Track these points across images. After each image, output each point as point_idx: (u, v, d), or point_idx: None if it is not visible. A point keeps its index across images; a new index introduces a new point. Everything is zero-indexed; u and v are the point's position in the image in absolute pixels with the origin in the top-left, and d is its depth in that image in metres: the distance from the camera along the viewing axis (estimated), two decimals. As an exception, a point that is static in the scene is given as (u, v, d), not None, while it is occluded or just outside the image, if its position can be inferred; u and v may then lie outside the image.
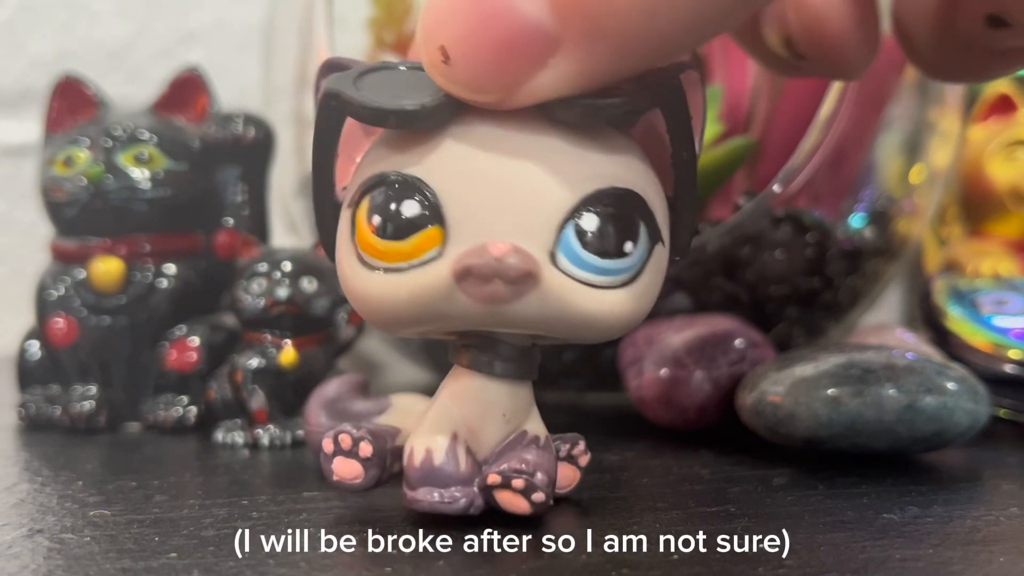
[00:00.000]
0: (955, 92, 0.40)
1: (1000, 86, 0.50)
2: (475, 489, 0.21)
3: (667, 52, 0.19)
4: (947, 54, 0.22)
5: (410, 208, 0.20)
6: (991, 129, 0.49)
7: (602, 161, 0.20)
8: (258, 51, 0.49)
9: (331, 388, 0.27)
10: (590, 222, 0.19)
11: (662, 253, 0.21)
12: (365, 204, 0.20)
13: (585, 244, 0.19)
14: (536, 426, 0.22)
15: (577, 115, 0.19)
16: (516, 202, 0.19)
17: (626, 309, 0.20)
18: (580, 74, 0.19)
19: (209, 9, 0.58)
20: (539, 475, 0.21)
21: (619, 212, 0.20)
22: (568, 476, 0.23)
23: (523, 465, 0.21)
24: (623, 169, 0.20)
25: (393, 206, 0.20)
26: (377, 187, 0.20)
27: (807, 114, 0.32)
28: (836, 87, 0.31)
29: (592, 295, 0.20)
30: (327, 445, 0.22)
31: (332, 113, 0.20)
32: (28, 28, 0.56)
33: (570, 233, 0.19)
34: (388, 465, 0.23)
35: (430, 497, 0.21)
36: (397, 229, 0.20)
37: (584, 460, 0.24)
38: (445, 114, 0.20)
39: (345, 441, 0.22)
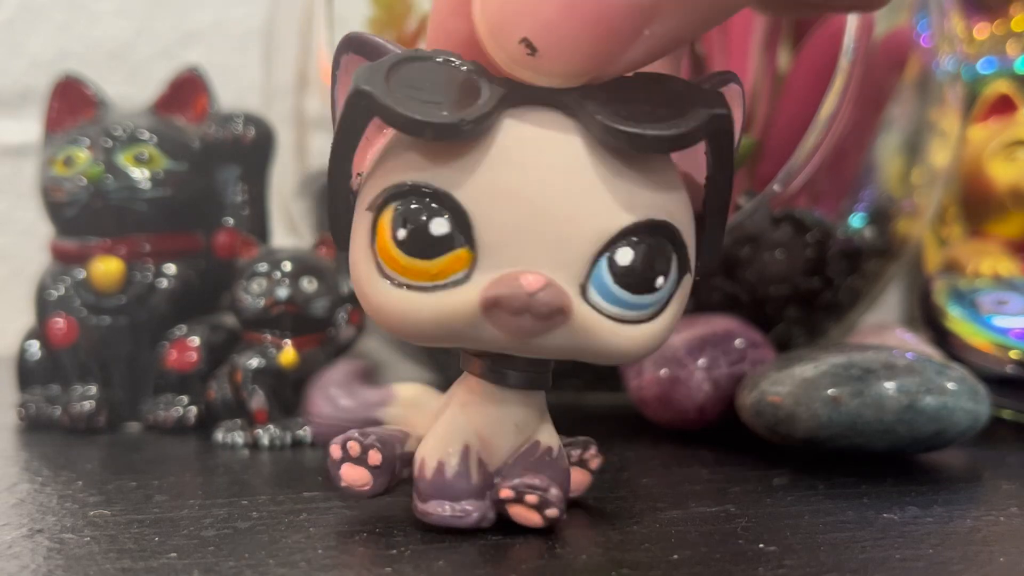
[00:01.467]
0: (955, 92, 0.40)
1: (1000, 86, 0.50)
2: (487, 501, 0.21)
3: (743, 2, 0.18)
4: None
5: (439, 226, 0.19)
6: (991, 129, 0.49)
7: (641, 189, 0.19)
8: (258, 51, 0.49)
9: (335, 375, 0.27)
10: (625, 256, 0.19)
11: (688, 282, 0.20)
12: (389, 214, 0.19)
13: (617, 279, 0.19)
14: (549, 436, 0.22)
15: (622, 143, 0.18)
16: (551, 230, 0.18)
17: (650, 342, 0.20)
18: (673, 39, 0.18)
19: (209, 9, 0.58)
20: (553, 490, 0.20)
21: (654, 246, 0.19)
22: (580, 481, 0.23)
23: (537, 480, 0.21)
24: (661, 198, 0.19)
25: (421, 222, 0.19)
26: (404, 197, 0.19)
27: (807, 114, 0.32)
28: (836, 87, 0.31)
29: (619, 330, 0.19)
30: (335, 451, 0.22)
31: (360, 112, 0.19)
32: (28, 28, 0.56)
33: (603, 266, 0.19)
34: (397, 472, 0.22)
35: (441, 511, 0.21)
36: (424, 247, 0.19)
37: (596, 464, 0.23)
38: (484, 126, 0.18)
39: (354, 448, 0.22)
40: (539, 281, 0.18)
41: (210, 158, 0.35)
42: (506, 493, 0.21)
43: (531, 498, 0.20)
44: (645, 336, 0.19)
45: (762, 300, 0.36)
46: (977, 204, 0.49)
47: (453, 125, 0.18)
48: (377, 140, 0.20)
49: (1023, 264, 0.47)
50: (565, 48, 0.18)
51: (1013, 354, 0.34)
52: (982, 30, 0.54)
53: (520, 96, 0.19)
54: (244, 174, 0.36)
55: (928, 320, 0.37)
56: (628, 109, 0.18)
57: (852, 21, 0.31)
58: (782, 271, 0.36)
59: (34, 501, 0.24)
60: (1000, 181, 0.48)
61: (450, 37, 0.20)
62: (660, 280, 0.19)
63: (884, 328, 0.37)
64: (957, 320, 0.36)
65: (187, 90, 0.36)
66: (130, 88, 0.46)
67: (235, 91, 0.43)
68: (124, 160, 0.34)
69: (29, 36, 0.56)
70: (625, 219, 0.19)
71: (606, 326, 0.19)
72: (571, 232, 0.18)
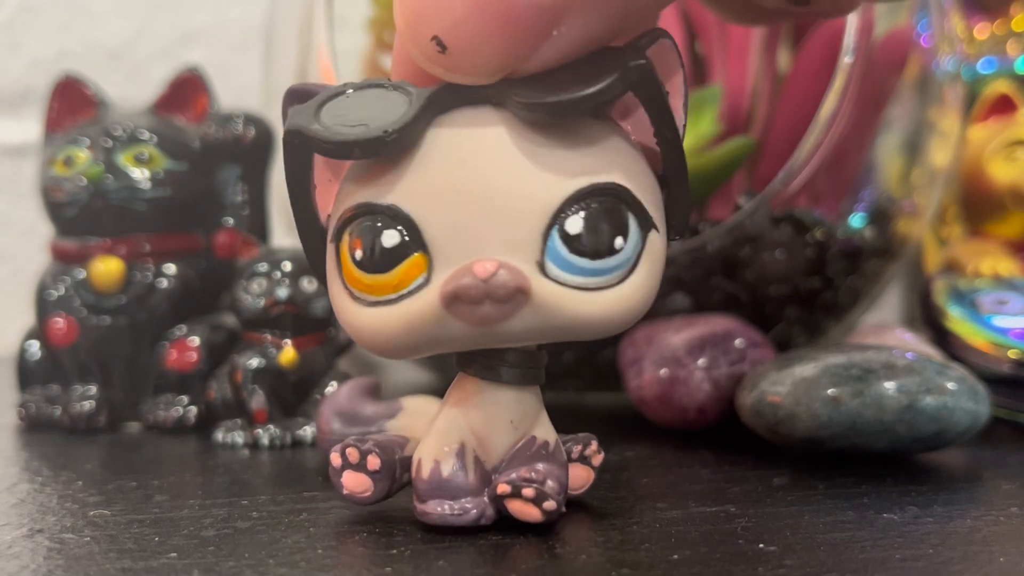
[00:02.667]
0: (955, 92, 0.40)
1: (1000, 86, 0.50)
2: (485, 499, 0.21)
3: (654, 4, 0.19)
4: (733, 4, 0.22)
5: (389, 238, 0.19)
6: (991, 129, 0.49)
7: (579, 156, 0.19)
8: (258, 51, 0.49)
9: (343, 393, 0.27)
10: (575, 224, 0.19)
11: (657, 239, 0.20)
12: (346, 239, 0.20)
13: (573, 248, 0.19)
14: (545, 431, 0.22)
15: (544, 114, 0.19)
16: (495, 215, 0.19)
17: (625, 306, 0.20)
18: (585, 38, 0.18)
19: (209, 9, 0.58)
20: (549, 482, 0.21)
21: (604, 208, 0.19)
22: (581, 477, 0.23)
23: (533, 473, 0.21)
24: (603, 161, 0.19)
25: (372, 239, 0.19)
26: (354, 220, 0.20)
27: (807, 114, 0.32)
28: (836, 87, 0.31)
29: (587, 299, 0.19)
30: (335, 459, 0.22)
31: (298, 151, 0.20)
32: (28, 28, 0.56)
33: (556, 239, 0.19)
34: (397, 476, 0.22)
35: (440, 509, 0.21)
36: (380, 262, 0.19)
37: (598, 460, 0.23)
38: (411, 134, 0.19)
39: (352, 455, 0.22)
40: (492, 265, 0.18)
41: (210, 158, 0.35)
42: (503, 488, 0.21)
43: (528, 491, 0.20)
44: (618, 299, 0.19)
45: (762, 300, 0.36)
46: (977, 204, 0.49)
47: (377, 138, 0.19)
48: (341, 177, 0.21)
49: (1023, 264, 0.47)
50: (474, 47, 0.18)
51: (1013, 354, 0.34)
52: (982, 30, 0.54)
53: (446, 101, 0.19)
54: (244, 174, 0.36)
55: (928, 320, 0.37)
56: (547, 83, 0.19)
57: (852, 21, 0.31)
58: (782, 271, 0.36)
59: (34, 501, 0.24)
60: (1000, 181, 0.48)
61: (406, 63, 0.20)
62: (619, 240, 0.19)
63: (884, 328, 0.37)
64: (957, 320, 0.36)
65: (187, 90, 0.36)
66: (130, 88, 0.46)
67: (235, 91, 0.43)
68: (124, 160, 0.34)
69: (29, 36, 0.56)
70: (567, 188, 0.19)
71: (571, 296, 0.19)
72: (516, 212, 0.19)
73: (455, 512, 0.21)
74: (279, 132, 0.37)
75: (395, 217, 0.19)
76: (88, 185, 0.33)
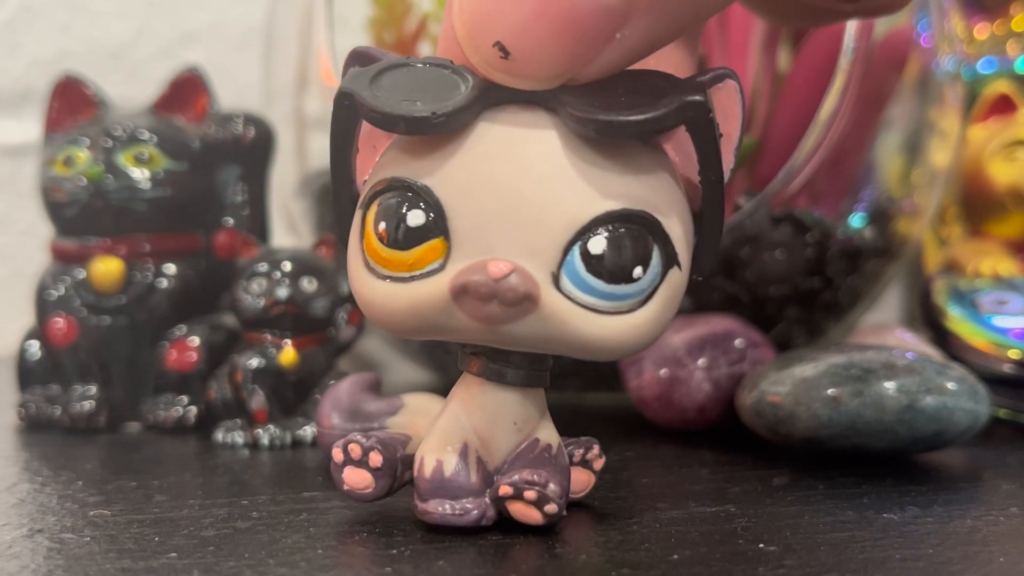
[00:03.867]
0: (955, 92, 0.40)
1: (1000, 86, 0.50)
2: (487, 500, 0.21)
3: (719, 5, 0.18)
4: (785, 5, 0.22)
5: (415, 218, 0.19)
6: (991, 129, 0.49)
7: (619, 179, 0.19)
8: (258, 51, 0.49)
9: (343, 388, 0.27)
10: (598, 245, 0.19)
11: (678, 276, 0.20)
12: (374, 209, 0.20)
13: (590, 268, 0.19)
14: (548, 433, 0.22)
15: (593, 131, 0.19)
16: (523, 219, 0.19)
17: (631, 336, 0.20)
18: (648, 41, 0.18)
19: (209, 9, 0.58)
20: (551, 486, 0.20)
21: (630, 235, 0.19)
22: (582, 481, 0.23)
23: (535, 476, 0.20)
24: (642, 187, 0.19)
25: (399, 214, 0.19)
26: (386, 192, 0.20)
27: (807, 114, 0.32)
28: (836, 87, 0.31)
29: (595, 320, 0.19)
30: (337, 455, 0.22)
31: (346, 112, 0.20)
32: (28, 28, 0.56)
33: (576, 255, 0.19)
34: (399, 474, 0.22)
35: (441, 509, 0.21)
36: (401, 239, 0.19)
37: (599, 464, 0.23)
38: (459, 120, 0.19)
39: (355, 451, 0.22)
40: (506, 267, 0.18)
41: (210, 158, 0.35)
42: (505, 490, 0.21)
43: (530, 494, 0.20)
44: (625, 327, 0.19)
45: (762, 300, 0.36)
46: (977, 204, 0.49)
47: (425, 118, 0.19)
48: (383, 147, 0.21)
49: (1023, 264, 0.47)
50: (537, 52, 0.18)
51: (1013, 354, 0.34)
52: (982, 30, 0.54)
53: (500, 95, 0.19)
54: (244, 174, 0.36)
55: (928, 320, 0.37)
56: (602, 100, 0.19)
57: (852, 21, 0.31)
58: (782, 271, 0.36)
59: (34, 501, 0.24)
60: (1000, 181, 0.48)
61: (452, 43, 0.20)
62: (638, 270, 0.19)
63: (884, 328, 0.37)
64: (957, 320, 0.36)
65: (187, 90, 0.36)
66: (130, 88, 0.46)
67: (235, 91, 0.43)
68: (124, 160, 0.34)
69: (29, 36, 0.56)
70: (598, 207, 0.19)
71: (579, 315, 0.19)
72: (543, 220, 0.19)
73: (456, 512, 0.21)
74: (279, 132, 0.37)
75: (425, 199, 0.19)
76: (88, 185, 0.33)
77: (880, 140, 0.38)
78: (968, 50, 0.53)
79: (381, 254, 0.20)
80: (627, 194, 0.19)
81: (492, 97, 0.19)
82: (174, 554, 0.20)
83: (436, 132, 0.19)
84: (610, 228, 0.19)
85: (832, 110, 0.31)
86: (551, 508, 0.20)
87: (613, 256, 0.19)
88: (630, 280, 0.19)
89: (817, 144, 0.31)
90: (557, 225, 0.19)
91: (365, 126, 0.20)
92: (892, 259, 0.39)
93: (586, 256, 0.19)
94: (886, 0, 0.22)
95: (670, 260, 0.20)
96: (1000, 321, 0.35)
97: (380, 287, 0.20)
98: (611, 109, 0.18)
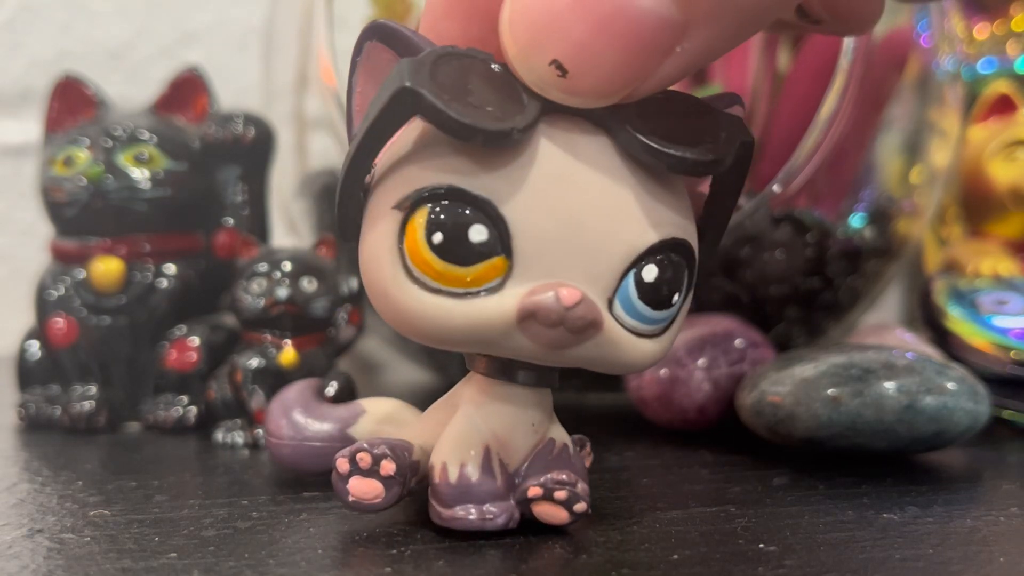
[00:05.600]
0: (955, 92, 0.40)
1: (1000, 86, 0.50)
2: (512, 503, 0.21)
3: (774, 15, 0.18)
4: None
5: (479, 233, 0.18)
6: (991, 129, 0.49)
7: (666, 208, 0.19)
8: (258, 51, 0.49)
9: (292, 395, 0.26)
10: (650, 273, 0.19)
11: (690, 297, 0.21)
12: (423, 215, 0.19)
13: (641, 295, 0.19)
14: (560, 434, 0.22)
15: (663, 163, 0.19)
16: (585, 244, 0.19)
17: (655, 357, 0.20)
18: (706, 53, 0.18)
19: (209, 9, 0.58)
20: (580, 485, 0.21)
21: (675, 263, 0.20)
22: None
23: (564, 476, 0.21)
24: (680, 216, 0.20)
25: (460, 228, 0.18)
26: (440, 200, 0.19)
27: (807, 114, 0.32)
28: (836, 87, 0.31)
29: (635, 344, 0.20)
30: (342, 464, 0.21)
31: (405, 110, 0.18)
32: (28, 28, 0.56)
33: (630, 282, 0.19)
34: (408, 482, 0.22)
35: (468, 515, 0.20)
36: (462, 253, 0.18)
37: (588, 461, 0.24)
38: (530, 135, 0.18)
39: (364, 460, 0.21)
40: (576, 295, 0.18)
41: (210, 158, 0.35)
42: (535, 491, 0.21)
43: (560, 494, 0.20)
44: (653, 349, 0.20)
45: (762, 300, 0.36)
46: (977, 204, 0.49)
47: (504, 133, 0.18)
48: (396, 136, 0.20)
49: (1023, 264, 0.47)
50: (597, 69, 0.18)
51: (1013, 354, 0.34)
52: (982, 30, 0.54)
53: (554, 105, 0.19)
54: (244, 174, 0.36)
55: (928, 320, 0.37)
56: (662, 128, 0.19)
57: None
58: (782, 271, 0.36)
59: (34, 501, 0.24)
60: (1000, 181, 0.48)
61: (442, 39, 0.20)
62: (676, 296, 0.20)
63: (884, 328, 0.37)
64: (957, 320, 0.36)
65: (187, 90, 0.36)
66: (130, 88, 0.46)
67: (235, 91, 0.43)
68: (124, 160, 0.34)
69: (29, 36, 0.56)
70: (653, 236, 0.19)
71: (627, 339, 0.19)
72: (604, 247, 0.19)
73: (484, 517, 0.21)
74: (279, 132, 0.37)
75: (489, 214, 0.18)
76: (88, 185, 0.33)
77: (880, 140, 0.38)
78: (968, 50, 0.53)
79: (434, 267, 0.19)
80: (674, 222, 0.20)
81: (548, 107, 0.19)
82: (174, 554, 0.20)
83: (510, 147, 0.18)
84: (660, 256, 0.19)
85: (832, 110, 0.31)
86: (580, 507, 0.21)
87: (661, 283, 0.19)
88: (669, 306, 0.20)
89: (817, 144, 0.31)
90: (617, 253, 0.19)
91: None
92: (892, 259, 0.39)
93: (639, 283, 0.19)
94: (850, 24, 0.22)
95: (693, 284, 0.20)
96: (1000, 321, 0.35)
97: (429, 300, 0.19)
98: (675, 142, 0.19)
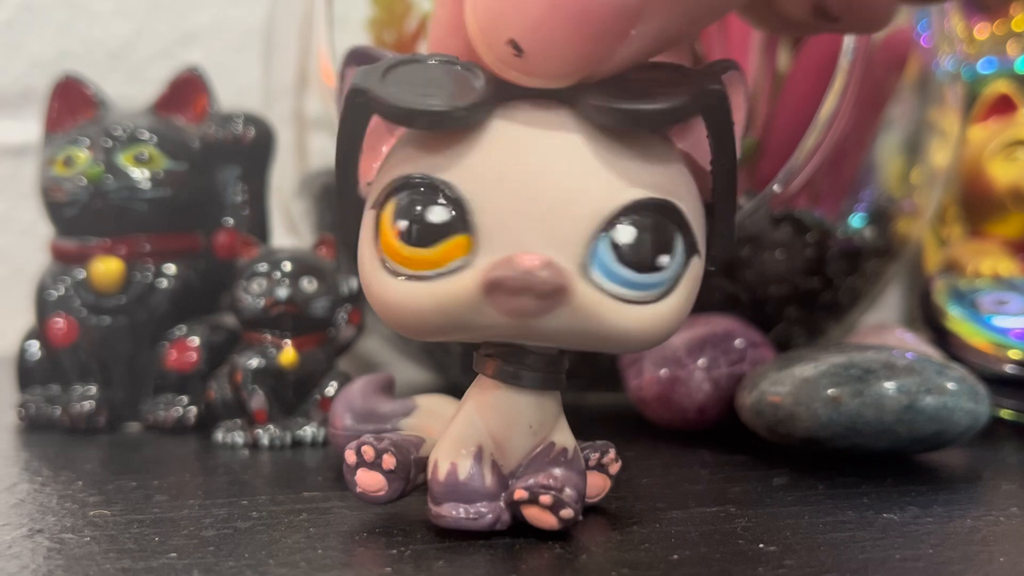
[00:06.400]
0: (955, 92, 0.40)
1: (1000, 86, 0.50)
2: (501, 504, 0.21)
3: (735, 4, 0.18)
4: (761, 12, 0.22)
5: (438, 214, 0.19)
6: (991, 129, 0.49)
7: (639, 169, 0.19)
8: (258, 51, 0.49)
9: (356, 389, 0.27)
10: (625, 234, 0.19)
11: (698, 265, 0.20)
12: (390, 207, 0.19)
13: (619, 257, 0.19)
14: (564, 437, 0.22)
15: (616, 121, 0.19)
16: (549, 211, 0.19)
17: (659, 325, 0.20)
18: (662, 38, 0.18)
19: (209, 9, 0.58)
20: (567, 490, 0.20)
21: (655, 224, 0.19)
22: (598, 485, 0.23)
23: (551, 480, 0.20)
24: (661, 177, 0.19)
25: (420, 211, 0.19)
26: (403, 190, 0.19)
27: (807, 114, 0.32)
28: (836, 87, 0.31)
29: (624, 310, 0.19)
30: (349, 457, 0.22)
31: (359, 110, 0.19)
32: (28, 28, 0.56)
33: (604, 245, 0.19)
34: (412, 477, 0.22)
35: (455, 513, 0.21)
36: (423, 235, 0.19)
37: (615, 468, 0.23)
38: (477, 114, 0.19)
39: (368, 453, 0.21)
40: (538, 260, 0.18)
41: (210, 158, 0.35)
42: (520, 494, 0.20)
43: (545, 499, 0.20)
44: (653, 317, 0.19)
45: (762, 300, 0.36)
46: (977, 204, 0.49)
47: (446, 112, 0.18)
48: (383, 149, 0.21)
49: (1023, 264, 0.47)
50: (551, 49, 0.18)
51: (1013, 354, 0.34)
52: (982, 30, 0.54)
53: (515, 90, 0.19)
54: (244, 174, 0.36)
55: (928, 320, 0.37)
56: (621, 90, 0.19)
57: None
58: (782, 271, 0.36)
59: (34, 501, 0.24)
60: (1000, 181, 0.48)
61: (446, 36, 0.20)
62: (664, 259, 0.19)
63: (884, 328, 0.37)
64: (957, 320, 0.36)
65: (187, 90, 0.36)
66: (130, 88, 0.46)
67: (235, 91, 0.43)
68: (124, 160, 0.34)
69: (29, 36, 0.56)
70: (623, 197, 0.19)
71: (610, 306, 0.19)
72: (569, 212, 0.19)
73: (470, 516, 0.21)
74: (279, 132, 0.37)
75: (447, 194, 0.19)
76: (88, 185, 0.33)
77: (880, 140, 0.38)
78: (968, 50, 0.53)
79: (402, 253, 0.19)
80: (650, 183, 0.19)
81: (507, 92, 0.19)
82: (174, 554, 0.20)
83: (456, 127, 0.19)
84: (636, 217, 0.19)
85: (832, 110, 0.31)
86: (566, 513, 0.20)
87: (640, 244, 0.19)
88: (656, 268, 0.19)
89: (817, 144, 0.31)
90: (583, 216, 0.19)
91: (368, 128, 0.20)
92: (892, 259, 0.39)
93: (614, 245, 0.19)
94: (867, 20, 0.22)
95: (691, 248, 0.20)
96: (1000, 321, 0.35)
97: (401, 287, 0.19)
98: (631, 98, 0.18)
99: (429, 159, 0.19)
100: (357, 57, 0.20)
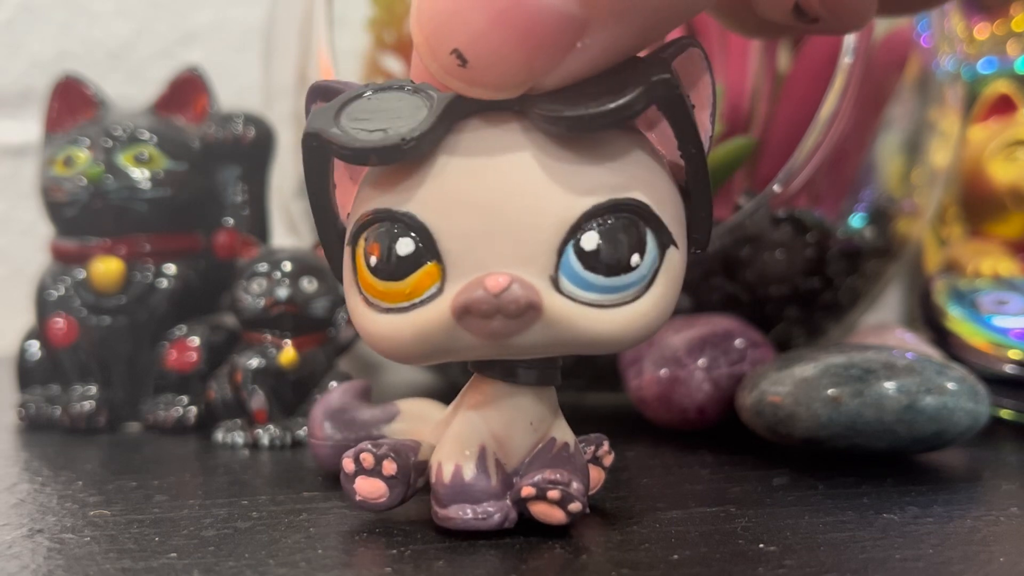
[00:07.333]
0: (955, 92, 0.40)
1: (1000, 86, 0.50)
2: (508, 502, 0.21)
3: (684, 17, 0.18)
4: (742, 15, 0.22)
5: (404, 246, 0.19)
6: (991, 129, 0.49)
7: (599, 170, 0.19)
8: (258, 51, 0.49)
9: (335, 397, 0.27)
10: (590, 240, 0.19)
11: (676, 256, 0.20)
12: (362, 244, 0.20)
13: (587, 264, 0.19)
14: (563, 432, 0.22)
15: (565, 128, 0.18)
16: (511, 228, 0.19)
17: (640, 323, 0.19)
18: (610, 50, 0.18)
19: (209, 9, 0.58)
20: (575, 484, 0.20)
21: (622, 225, 0.19)
22: (594, 478, 0.23)
23: (558, 475, 0.20)
24: (623, 175, 0.19)
25: (387, 246, 0.19)
26: (370, 227, 0.20)
27: (807, 114, 0.32)
28: (836, 87, 0.31)
29: (600, 316, 0.19)
30: (348, 465, 0.21)
31: (314, 154, 0.20)
32: (28, 28, 0.56)
33: (571, 254, 0.19)
34: (412, 482, 0.22)
35: (463, 514, 0.21)
36: (394, 269, 0.19)
37: (608, 460, 0.23)
38: (429, 142, 0.19)
39: (367, 460, 0.21)
40: (504, 280, 0.18)
41: (210, 158, 0.35)
42: (528, 491, 0.20)
43: (553, 494, 0.20)
44: (632, 316, 0.19)
45: (762, 300, 0.36)
46: (977, 204, 0.49)
47: (394, 146, 0.18)
48: (359, 178, 0.21)
49: (1023, 264, 0.47)
50: (496, 60, 0.18)
51: (1013, 354, 0.34)
52: (982, 30, 0.54)
53: (466, 106, 0.19)
54: (244, 174, 0.36)
55: (928, 320, 0.37)
56: (570, 95, 0.19)
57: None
58: (782, 271, 0.36)
59: (34, 501, 0.24)
60: (1000, 181, 0.48)
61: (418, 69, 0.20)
62: (636, 258, 0.19)
63: (884, 328, 0.37)
64: (957, 320, 0.36)
65: (187, 90, 0.36)
66: (130, 88, 0.46)
67: (235, 91, 0.43)
68: (124, 160, 0.34)
69: (29, 36, 0.56)
70: (584, 203, 0.19)
71: (582, 313, 0.19)
72: (531, 226, 0.19)
73: (478, 516, 0.21)
74: (279, 132, 0.37)
75: (411, 225, 0.19)
76: (88, 185, 0.33)
77: (880, 140, 0.38)
78: (968, 50, 0.53)
79: (377, 288, 0.19)
80: (610, 184, 0.19)
81: (458, 111, 0.19)
82: (174, 554, 0.20)
83: (408, 158, 0.19)
84: (599, 221, 0.19)
85: (832, 110, 0.31)
86: (575, 507, 0.20)
87: (608, 249, 0.19)
88: (629, 269, 0.19)
89: (817, 144, 0.31)
90: (546, 228, 0.19)
91: (338, 161, 0.20)
92: (892, 259, 0.39)
93: (581, 253, 0.19)
94: (846, 20, 0.22)
95: (665, 241, 0.19)
96: (1000, 321, 0.35)
97: (381, 320, 0.20)
98: (578, 103, 0.18)
99: (390, 192, 0.19)
100: (319, 93, 0.20)
